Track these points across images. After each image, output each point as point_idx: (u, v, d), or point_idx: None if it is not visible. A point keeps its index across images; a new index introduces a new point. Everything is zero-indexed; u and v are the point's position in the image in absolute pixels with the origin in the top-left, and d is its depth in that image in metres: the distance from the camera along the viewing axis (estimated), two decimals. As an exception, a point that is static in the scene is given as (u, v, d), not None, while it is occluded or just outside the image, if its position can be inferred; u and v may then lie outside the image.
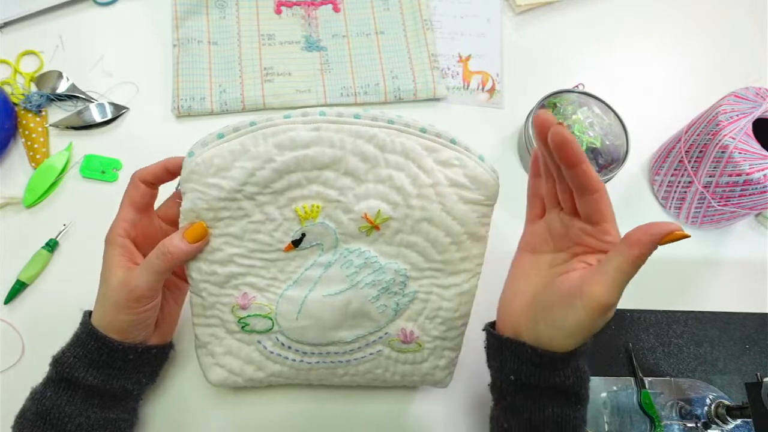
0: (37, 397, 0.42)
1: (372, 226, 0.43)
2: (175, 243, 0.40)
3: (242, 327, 0.45)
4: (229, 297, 0.44)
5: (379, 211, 0.42)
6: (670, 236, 0.33)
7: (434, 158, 0.42)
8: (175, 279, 0.48)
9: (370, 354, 0.47)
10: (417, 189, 0.42)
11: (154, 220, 0.46)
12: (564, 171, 0.36)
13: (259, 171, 0.40)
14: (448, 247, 0.44)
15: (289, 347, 0.46)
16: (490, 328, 0.44)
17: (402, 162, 0.42)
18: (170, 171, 0.43)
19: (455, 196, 0.43)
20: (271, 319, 0.45)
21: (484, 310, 0.46)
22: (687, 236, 0.33)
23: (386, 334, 0.46)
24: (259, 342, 0.46)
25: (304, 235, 0.43)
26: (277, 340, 0.46)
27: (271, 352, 0.46)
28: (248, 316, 0.44)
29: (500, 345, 0.41)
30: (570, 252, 0.40)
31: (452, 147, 0.42)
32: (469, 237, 0.44)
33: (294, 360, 0.46)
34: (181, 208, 0.41)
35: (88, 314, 0.43)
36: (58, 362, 0.42)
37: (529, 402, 0.40)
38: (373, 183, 0.42)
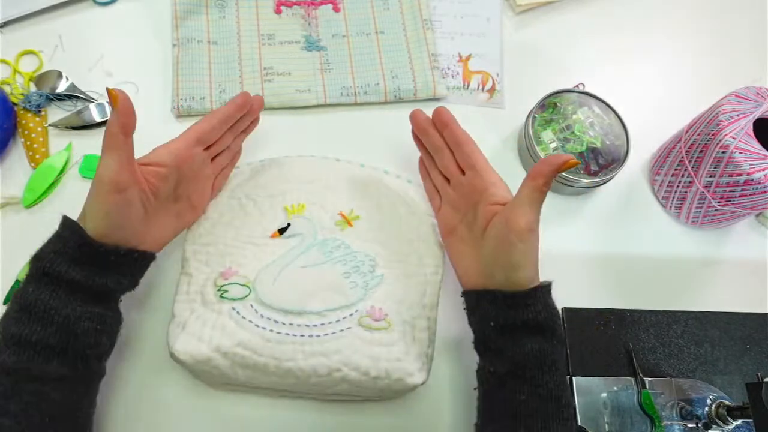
0: (18, 295, 0.41)
1: (346, 222, 0.53)
2: (109, 119, 0.43)
3: (221, 295, 0.47)
4: (215, 273, 0.49)
5: (352, 210, 0.54)
6: (566, 165, 0.42)
7: (395, 182, 0.57)
8: (181, 204, 0.50)
9: (340, 330, 0.47)
10: (384, 198, 0.55)
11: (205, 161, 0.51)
12: (443, 134, 0.52)
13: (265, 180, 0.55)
14: (410, 244, 0.53)
15: (262, 315, 0.47)
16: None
17: (369, 180, 0.56)
18: (226, 121, 0.51)
19: (412, 209, 0.55)
20: (249, 287, 0.48)
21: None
22: (577, 163, 0.43)
23: (356, 311, 0.48)
24: (233, 309, 0.47)
25: (289, 224, 0.52)
26: (251, 307, 0.47)
27: (243, 317, 0.47)
28: (228, 283, 0.48)
29: (477, 298, 0.47)
30: (473, 205, 0.49)
31: (407, 185, 0.58)
32: (426, 242, 0.54)
33: (264, 328, 0.46)
34: None
35: (67, 217, 0.43)
36: (38, 258, 0.41)
37: (510, 342, 0.44)
38: (349, 193, 0.55)
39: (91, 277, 0.42)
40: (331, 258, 0.51)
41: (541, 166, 0.43)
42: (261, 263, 0.49)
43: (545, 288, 0.45)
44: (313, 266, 0.50)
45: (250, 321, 0.46)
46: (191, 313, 0.48)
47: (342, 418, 0.51)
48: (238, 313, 0.47)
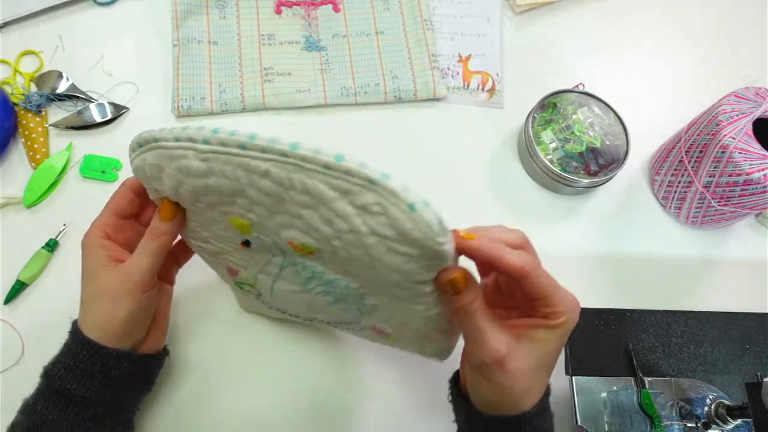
0: (28, 410, 0.40)
1: (303, 251, 0.37)
2: (158, 225, 0.40)
3: (240, 287, 0.47)
4: (221, 265, 0.44)
5: (304, 243, 0.36)
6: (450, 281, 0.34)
7: (349, 201, 0.32)
8: (159, 282, 0.46)
9: (354, 329, 0.47)
10: (335, 233, 0.33)
11: (136, 228, 0.44)
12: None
13: (179, 188, 0.36)
14: (394, 287, 0.36)
15: (283, 311, 0.48)
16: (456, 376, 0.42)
17: (310, 202, 0.33)
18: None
19: (382, 246, 0.33)
20: (257, 289, 0.45)
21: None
22: (457, 280, 0.34)
23: (360, 327, 0.45)
24: (257, 297, 0.47)
25: (248, 241, 0.39)
26: (270, 305, 0.47)
27: (270, 308, 0.48)
28: (237, 282, 0.45)
29: (455, 402, 0.41)
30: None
31: (371, 188, 0.31)
32: (417, 283, 0.35)
33: (289, 314, 0.49)
34: None
35: (76, 322, 0.42)
36: (48, 374, 0.40)
37: None
38: (288, 216, 0.35)
39: (103, 392, 0.40)
40: (309, 289, 0.40)
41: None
42: (252, 267, 0.42)
43: (533, 414, 0.36)
44: (297, 293, 0.42)
45: (278, 309, 0.48)
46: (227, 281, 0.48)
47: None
48: (263, 303, 0.48)
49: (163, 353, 0.47)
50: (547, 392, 0.38)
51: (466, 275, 0.34)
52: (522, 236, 0.37)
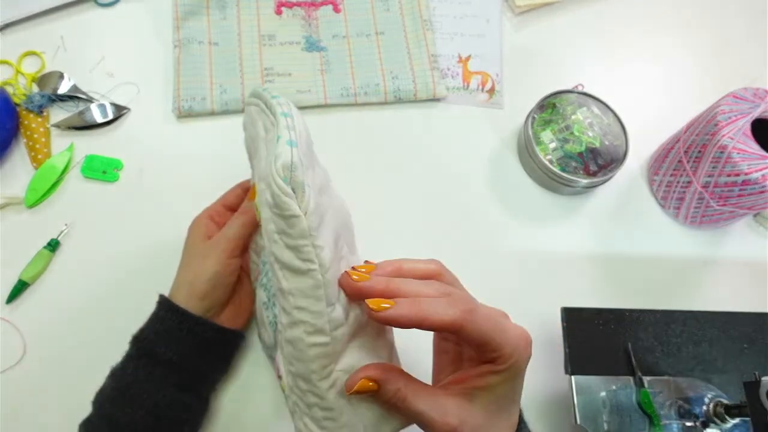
0: (117, 373, 0.43)
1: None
2: (246, 204, 0.46)
3: (255, 292, 0.46)
4: (259, 268, 0.45)
5: (256, 205, 0.35)
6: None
7: (266, 140, 0.32)
8: (243, 273, 0.50)
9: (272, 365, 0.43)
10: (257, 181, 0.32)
11: None
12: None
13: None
14: (272, 268, 0.31)
15: (264, 342, 0.46)
16: None
17: (259, 148, 0.33)
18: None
19: (264, 196, 0.29)
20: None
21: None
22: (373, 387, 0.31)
23: (274, 351, 0.39)
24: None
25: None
26: (260, 329, 0.46)
27: (259, 334, 0.47)
28: (255, 285, 0.46)
29: None
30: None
31: (275, 123, 0.31)
32: (278, 263, 0.30)
33: (266, 347, 0.46)
34: None
35: (163, 296, 0.46)
36: (137, 339, 0.44)
37: None
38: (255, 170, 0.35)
39: (187, 358, 0.44)
40: (261, 280, 0.40)
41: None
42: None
43: None
44: (259, 288, 0.42)
45: (261, 340, 0.46)
46: None
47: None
48: (260, 329, 0.46)
49: (240, 334, 0.49)
50: (520, 424, 0.36)
51: (372, 375, 0.31)
52: (436, 265, 0.34)
